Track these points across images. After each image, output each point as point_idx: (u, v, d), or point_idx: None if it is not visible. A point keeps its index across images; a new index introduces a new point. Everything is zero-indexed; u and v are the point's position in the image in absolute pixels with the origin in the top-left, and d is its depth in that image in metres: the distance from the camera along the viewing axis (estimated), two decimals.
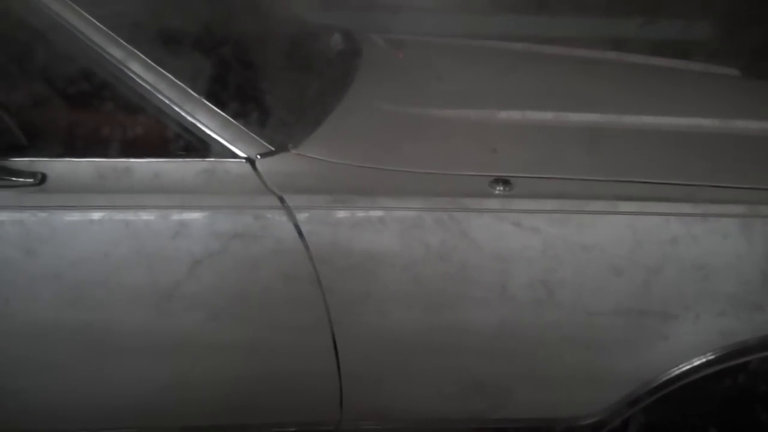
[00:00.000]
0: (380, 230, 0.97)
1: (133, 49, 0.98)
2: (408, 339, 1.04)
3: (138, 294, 0.99)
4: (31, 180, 0.96)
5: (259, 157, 1.01)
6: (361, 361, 1.06)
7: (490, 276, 0.99)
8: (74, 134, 1.05)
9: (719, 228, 1.00)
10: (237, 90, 1.12)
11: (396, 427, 1.18)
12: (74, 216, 0.97)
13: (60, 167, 0.98)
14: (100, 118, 1.04)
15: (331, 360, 1.04)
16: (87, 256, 0.97)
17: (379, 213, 0.97)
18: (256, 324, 1.03)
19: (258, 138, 1.02)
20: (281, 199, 0.98)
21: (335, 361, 1.04)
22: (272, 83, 1.27)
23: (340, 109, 1.19)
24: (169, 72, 0.99)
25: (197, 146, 1.00)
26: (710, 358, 1.04)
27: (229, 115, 1.01)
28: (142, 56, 0.98)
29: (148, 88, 0.98)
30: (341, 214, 0.98)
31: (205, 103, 1.00)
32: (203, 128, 0.99)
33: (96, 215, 0.96)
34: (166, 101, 0.98)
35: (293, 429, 1.17)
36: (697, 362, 1.05)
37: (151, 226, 0.97)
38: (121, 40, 0.98)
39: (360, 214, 0.98)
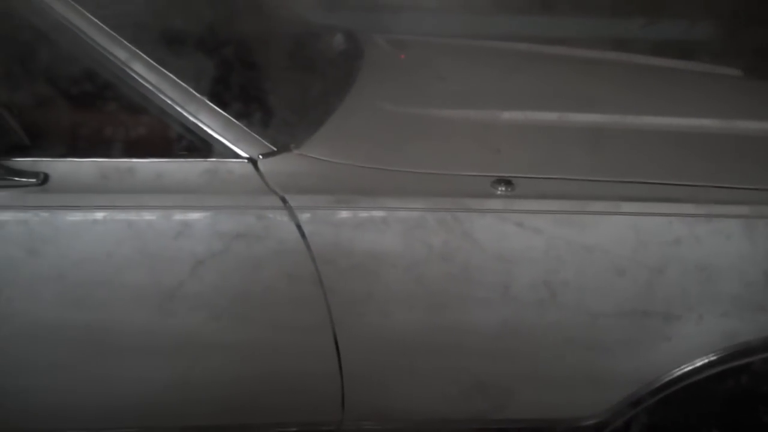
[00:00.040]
0: (383, 230, 0.97)
1: (135, 49, 0.98)
2: (410, 339, 1.04)
3: (141, 294, 0.99)
4: (34, 180, 0.96)
5: (261, 157, 1.01)
6: (362, 362, 1.06)
7: (493, 276, 0.99)
8: (77, 134, 1.05)
9: (722, 229, 1.00)
10: (239, 90, 1.12)
11: (397, 427, 1.18)
12: (77, 216, 0.97)
13: (63, 167, 0.98)
14: (102, 119, 1.04)
15: (332, 360, 1.04)
16: (90, 256, 0.97)
17: (381, 213, 0.97)
18: (258, 324, 1.03)
19: (260, 138, 1.02)
20: (283, 200, 0.98)
21: (337, 362, 1.04)
22: (274, 83, 1.27)
23: (342, 109, 1.19)
24: (171, 72, 0.99)
25: (199, 146, 1.00)
26: (713, 358, 1.04)
27: (231, 116, 1.01)
28: (145, 57, 0.98)
29: (151, 88, 0.98)
30: (343, 214, 0.98)
31: (207, 104, 1.00)
32: (205, 128, 0.99)
33: (99, 215, 0.97)
34: (169, 101, 0.98)
35: (295, 429, 1.17)
36: (699, 363, 1.05)
37: (154, 226, 0.97)
38: (124, 41, 0.98)
39: (362, 214, 0.98)
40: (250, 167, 1.00)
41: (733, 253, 1.00)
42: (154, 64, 0.99)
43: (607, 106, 1.27)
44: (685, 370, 1.05)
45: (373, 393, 1.11)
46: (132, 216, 0.96)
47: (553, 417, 1.14)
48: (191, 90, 1.00)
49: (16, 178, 0.96)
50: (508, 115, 1.22)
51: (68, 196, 0.97)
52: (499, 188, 1.01)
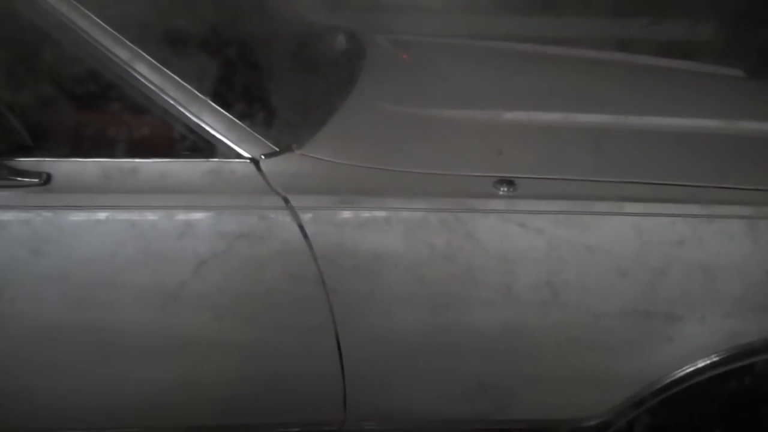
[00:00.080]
0: (385, 231, 0.97)
1: (138, 50, 0.98)
2: (412, 339, 1.03)
3: (144, 294, 0.99)
4: (37, 180, 0.96)
5: (263, 157, 1.01)
6: (365, 362, 1.06)
7: (495, 277, 0.99)
8: (80, 135, 1.05)
9: (725, 229, 1.00)
10: (241, 90, 1.12)
11: (399, 427, 1.18)
12: (80, 216, 0.97)
13: (66, 167, 0.98)
14: (106, 119, 1.04)
15: (335, 360, 1.04)
16: (93, 256, 0.98)
17: (383, 213, 0.97)
18: (261, 324, 1.03)
19: (262, 138, 1.02)
20: (285, 200, 0.98)
21: (339, 362, 1.04)
22: (276, 84, 1.27)
23: (344, 109, 1.19)
24: (174, 73, 0.99)
25: (202, 146, 1.00)
26: (716, 359, 1.04)
27: (234, 116, 1.01)
28: (148, 57, 0.98)
29: (154, 89, 0.98)
30: (346, 214, 0.98)
31: (209, 104, 1.00)
32: (208, 129, 0.99)
33: (102, 215, 0.97)
34: (171, 101, 0.98)
35: (297, 429, 1.17)
36: (702, 364, 1.04)
37: (157, 227, 0.97)
38: (127, 42, 0.98)
39: (364, 214, 0.98)
40: (252, 167, 1.00)
41: (735, 253, 1.00)
42: (157, 64, 0.99)
43: (609, 107, 1.27)
44: (688, 370, 1.05)
45: (375, 393, 1.11)
46: (135, 216, 0.97)
47: (556, 417, 1.14)
48: (194, 90, 1.00)
49: (19, 178, 0.96)
50: (510, 116, 1.22)
51: (71, 196, 0.97)
52: (502, 189, 1.01)
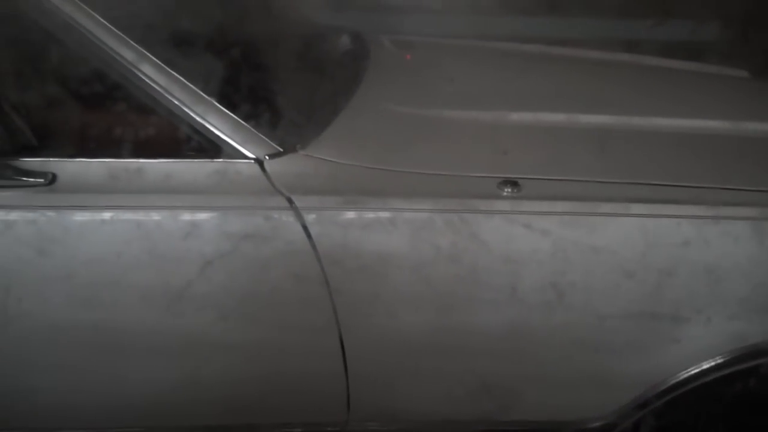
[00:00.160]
0: (389, 231, 0.97)
1: (144, 51, 0.99)
2: (416, 340, 1.03)
3: (149, 294, 0.99)
4: (42, 180, 0.97)
5: (267, 158, 1.01)
6: (368, 362, 1.06)
7: (500, 278, 0.99)
8: (86, 135, 1.06)
9: (731, 231, 1.00)
10: (245, 91, 1.12)
11: (402, 428, 1.18)
12: (85, 216, 0.97)
13: (71, 167, 0.98)
14: (111, 119, 1.04)
15: (338, 361, 1.04)
16: (98, 256, 0.98)
17: (388, 214, 0.97)
18: (265, 324, 1.03)
19: (266, 139, 1.02)
20: (289, 200, 0.98)
21: (342, 362, 1.04)
22: (280, 84, 1.27)
23: (348, 110, 1.19)
24: (179, 73, 0.99)
25: (206, 147, 1.00)
26: (721, 361, 1.03)
27: (238, 116, 1.01)
28: (153, 58, 0.99)
29: (159, 89, 0.98)
30: (350, 215, 0.98)
31: (214, 105, 1.00)
32: (213, 129, 0.99)
33: (107, 215, 0.97)
34: (176, 102, 0.98)
35: (300, 429, 1.17)
36: (707, 365, 1.04)
37: (163, 227, 0.97)
38: (133, 42, 0.98)
39: (369, 215, 0.98)
40: (256, 168, 1.00)
41: (741, 255, 1.00)
42: (163, 65, 0.99)
43: (614, 108, 1.26)
44: (693, 372, 1.04)
45: (378, 394, 1.11)
46: (140, 216, 0.97)
47: (560, 419, 1.13)
48: (199, 91, 1.00)
49: (24, 178, 0.96)
50: (515, 117, 1.22)
51: (76, 196, 0.97)
52: (506, 189, 1.00)
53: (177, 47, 1.08)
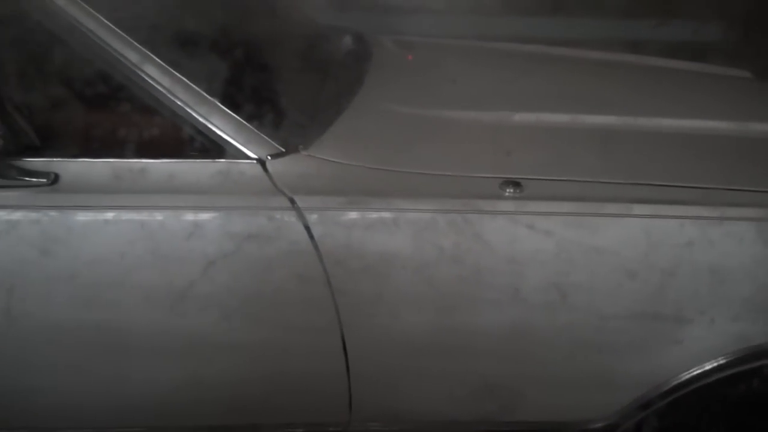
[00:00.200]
0: (392, 232, 0.97)
1: (147, 51, 0.99)
2: (419, 341, 1.03)
3: (152, 294, 0.99)
4: (45, 180, 0.97)
5: (269, 158, 1.01)
6: (370, 363, 1.06)
7: (503, 278, 0.99)
8: (89, 135, 1.06)
9: (735, 231, 1.00)
10: (248, 91, 1.12)
11: (405, 428, 1.18)
12: (89, 216, 0.97)
13: (75, 168, 0.99)
14: (115, 120, 1.05)
15: (340, 361, 1.04)
16: (102, 256, 0.98)
17: (390, 214, 0.97)
18: (268, 324, 1.03)
19: (268, 139, 1.02)
20: (292, 201, 0.98)
21: (345, 362, 1.04)
22: (282, 85, 1.27)
23: (350, 110, 1.19)
24: (181, 74, 1.00)
25: (209, 147, 1.00)
26: (724, 362, 1.03)
27: (241, 117, 1.01)
28: (157, 59, 0.99)
29: (163, 90, 0.98)
30: (352, 215, 0.98)
31: (217, 105, 1.00)
32: (215, 129, 1.00)
33: (110, 215, 0.97)
34: (179, 103, 0.99)
35: (302, 429, 1.17)
36: (710, 366, 1.04)
37: (166, 227, 0.97)
38: (136, 43, 0.99)
39: (371, 215, 0.98)
40: (259, 168, 1.00)
41: (745, 255, 0.99)
42: (166, 66, 0.99)
43: (617, 108, 1.26)
44: (696, 373, 1.04)
45: (380, 394, 1.11)
46: (144, 216, 0.97)
47: (563, 419, 1.13)
48: (202, 92, 1.00)
49: (27, 178, 0.96)
50: (518, 117, 1.22)
51: (79, 196, 0.97)
52: (508, 190, 1.00)
53: (180, 48, 1.08)
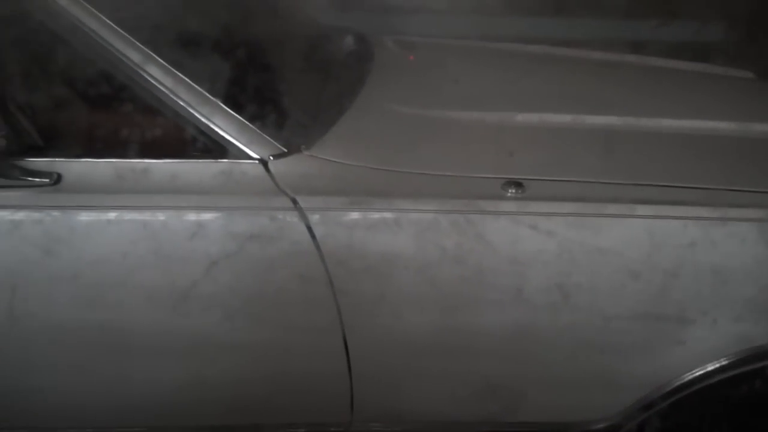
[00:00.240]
0: (394, 232, 0.97)
1: (150, 52, 0.99)
2: (421, 341, 1.03)
3: (155, 294, 1.00)
4: (47, 180, 0.97)
5: (271, 158, 1.01)
6: (372, 363, 1.06)
7: (506, 279, 0.99)
8: (91, 135, 1.06)
9: (737, 232, 0.99)
10: (249, 92, 1.13)
11: (407, 429, 1.18)
12: (91, 216, 0.97)
13: (77, 168, 0.99)
14: (117, 120, 1.05)
15: (342, 361, 1.04)
16: (104, 256, 0.98)
17: (392, 215, 0.97)
18: (270, 325, 1.03)
19: (270, 139, 1.02)
20: (294, 201, 0.98)
21: (346, 363, 1.04)
22: (285, 85, 1.27)
23: (352, 110, 1.19)
24: (184, 74, 1.00)
25: (212, 147, 1.00)
26: (727, 363, 1.03)
27: (243, 117, 1.01)
28: (159, 59, 0.99)
29: (165, 91, 0.98)
30: (354, 215, 0.98)
31: (220, 106, 1.00)
32: (217, 130, 1.00)
33: (113, 215, 0.97)
34: (182, 104, 0.99)
35: (304, 430, 1.17)
36: (712, 367, 1.04)
37: (169, 227, 0.97)
38: (139, 44, 0.99)
39: (373, 215, 0.98)
40: (261, 168, 1.00)
41: (748, 256, 0.99)
42: (168, 66, 0.99)
43: (619, 109, 1.26)
44: (698, 373, 1.04)
45: (382, 394, 1.11)
46: (146, 216, 0.97)
47: (565, 420, 1.13)
48: (205, 92, 1.00)
49: (30, 178, 0.97)
50: (520, 118, 1.22)
51: (81, 196, 0.97)
52: (510, 190, 1.00)
53: (183, 48, 1.08)
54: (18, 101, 1.00)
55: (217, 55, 1.18)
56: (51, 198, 0.97)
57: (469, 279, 0.99)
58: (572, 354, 1.05)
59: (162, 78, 0.98)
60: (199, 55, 1.13)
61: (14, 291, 0.99)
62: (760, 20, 2.52)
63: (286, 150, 1.02)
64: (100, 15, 0.98)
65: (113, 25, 0.99)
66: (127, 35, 0.99)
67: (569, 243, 0.98)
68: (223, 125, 1.00)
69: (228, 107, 1.01)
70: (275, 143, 1.02)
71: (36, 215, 0.97)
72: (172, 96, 0.98)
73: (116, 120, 1.05)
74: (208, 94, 1.00)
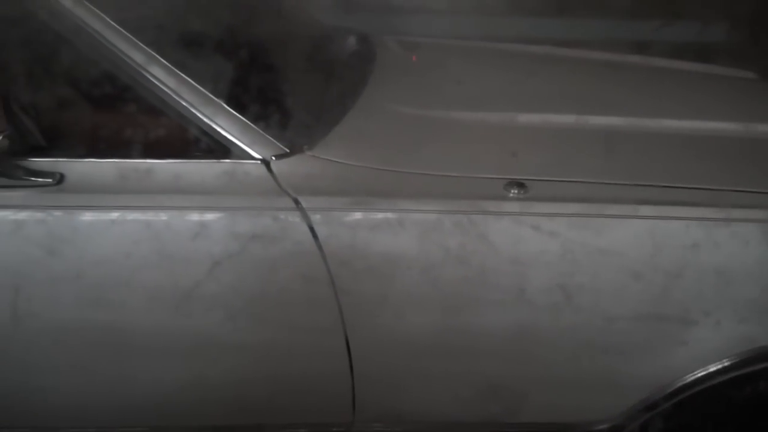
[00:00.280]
0: (397, 232, 0.97)
1: (153, 52, 0.99)
2: (423, 341, 1.03)
3: (157, 294, 1.00)
4: (50, 180, 0.97)
5: (274, 158, 1.01)
6: (374, 363, 1.06)
7: (508, 279, 0.99)
8: (94, 136, 1.06)
9: (740, 233, 0.99)
10: (252, 92, 1.13)
11: (408, 429, 1.18)
12: (94, 216, 0.98)
13: (80, 168, 0.99)
14: (120, 120, 1.05)
15: (344, 361, 1.04)
16: (107, 256, 0.98)
17: (395, 215, 0.97)
18: (273, 325, 1.04)
19: (273, 140, 1.02)
20: (296, 201, 0.98)
21: (348, 363, 1.04)
22: (287, 86, 1.28)
23: (354, 111, 1.19)
24: (188, 75, 1.00)
25: (214, 148, 1.00)
26: (729, 363, 1.03)
27: (245, 117, 1.02)
28: (162, 60, 0.99)
29: (168, 91, 0.98)
30: (357, 216, 0.98)
31: (222, 106, 1.01)
32: (220, 130, 1.00)
33: (116, 216, 0.97)
34: (185, 104, 0.99)
35: (305, 430, 1.17)
36: (715, 368, 1.04)
37: (172, 227, 0.97)
38: (142, 44, 0.99)
39: (376, 216, 0.98)
40: (263, 169, 1.00)
41: (751, 257, 0.99)
42: (171, 67, 0.99)
43: (621, 109, 1.26)
44: (701, 374, 1.04)
45: (384, 395, 1.11)
46: (150, 216, 0.97)
47: (567, 421, 1.13)
48: (207, 93, 1.00)
49: (33, 178, 0.97)
50: (523, 118, 1.22)
51: (84, 196, 0.98)
52: (512, 191, 1.00)
53: (186, 49, 1.08)
54: (21, 101, 1.00)
55: (220, 55, 1.18)
56: (54, 198, 0.97)
57: (471, 279, 0.99)
58: (574, 355, 1.04)
59: (165, 78, 0.99)
60: (202, 56, 1.13)
61: (17, 291, 0.99)
62: (762, 21, 2.51)
63: (288, 150, 1.03)
64: (104, 15, 0.99)
65: (116, 25, 0.99)
66: (131, 36, 0.99)
67: (572, 243, 0.98)
68: (226, 126, 1.00)
69: (231, 108, 1.01)
70: (278, 144, 1.02)
71: (39, 215, 0.97)
72: (175, 96, 0.99)
73: (119, 120, 1.05)
74: (211, 95, 1.01)
